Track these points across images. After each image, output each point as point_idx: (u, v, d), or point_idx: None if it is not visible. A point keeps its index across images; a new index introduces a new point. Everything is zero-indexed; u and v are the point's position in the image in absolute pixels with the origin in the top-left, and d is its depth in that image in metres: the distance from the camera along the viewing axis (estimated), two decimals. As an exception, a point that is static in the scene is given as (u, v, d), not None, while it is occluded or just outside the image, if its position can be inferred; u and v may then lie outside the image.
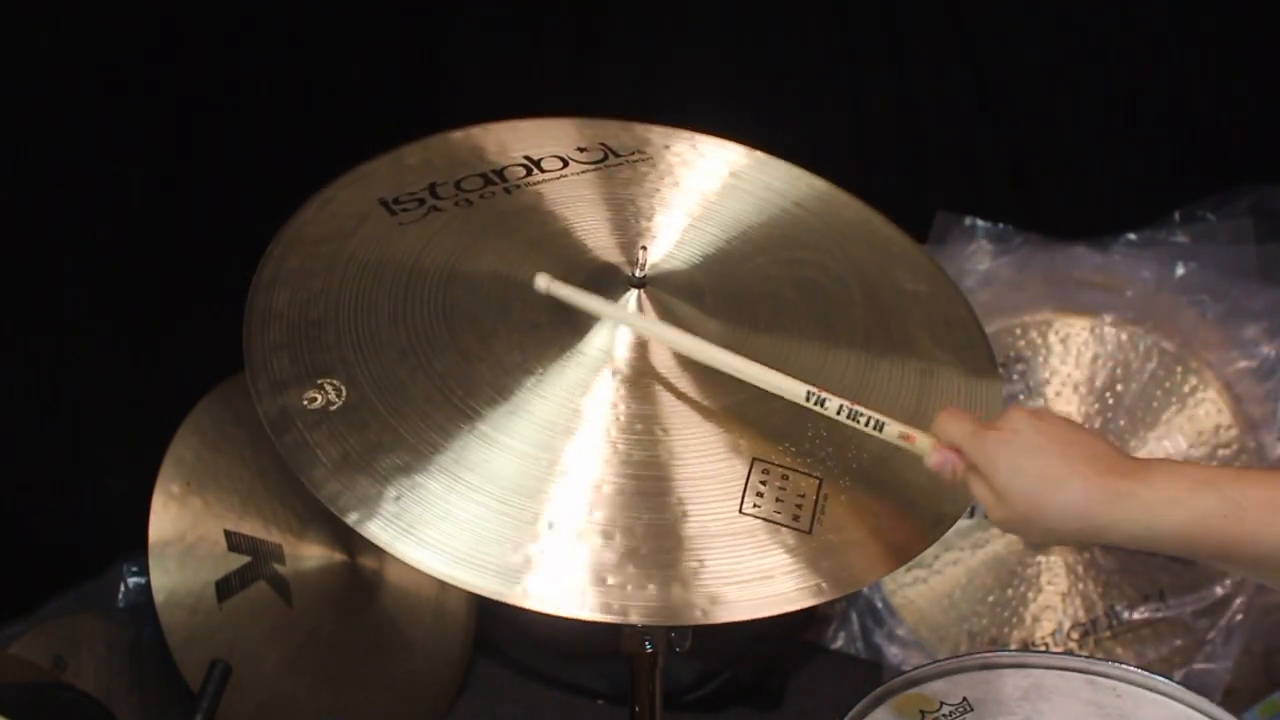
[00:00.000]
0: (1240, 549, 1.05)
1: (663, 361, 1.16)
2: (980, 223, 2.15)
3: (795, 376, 1.12)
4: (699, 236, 1.31)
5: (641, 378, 1.14)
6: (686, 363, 1.16)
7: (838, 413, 1.11)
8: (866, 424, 1.10)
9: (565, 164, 1.35)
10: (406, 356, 1.13)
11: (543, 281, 1.17)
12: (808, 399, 1.11)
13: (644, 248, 1.21)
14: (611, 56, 2.29)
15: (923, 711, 1.24)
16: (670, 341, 1.16)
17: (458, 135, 1.38)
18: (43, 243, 1.85)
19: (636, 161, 1.38)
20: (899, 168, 2.28)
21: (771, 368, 1.12)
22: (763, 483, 1.09)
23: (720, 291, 1.25)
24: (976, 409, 1.22)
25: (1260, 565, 1.06)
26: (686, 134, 1.43)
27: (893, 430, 1.11)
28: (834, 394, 1.10)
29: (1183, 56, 2.08)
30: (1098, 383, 2.05)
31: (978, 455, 1.08)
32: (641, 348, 1.16)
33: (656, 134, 1.42)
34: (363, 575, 1.94)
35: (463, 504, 1.03)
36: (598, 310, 1.17)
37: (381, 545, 1.01)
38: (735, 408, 1.14)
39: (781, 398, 1.14)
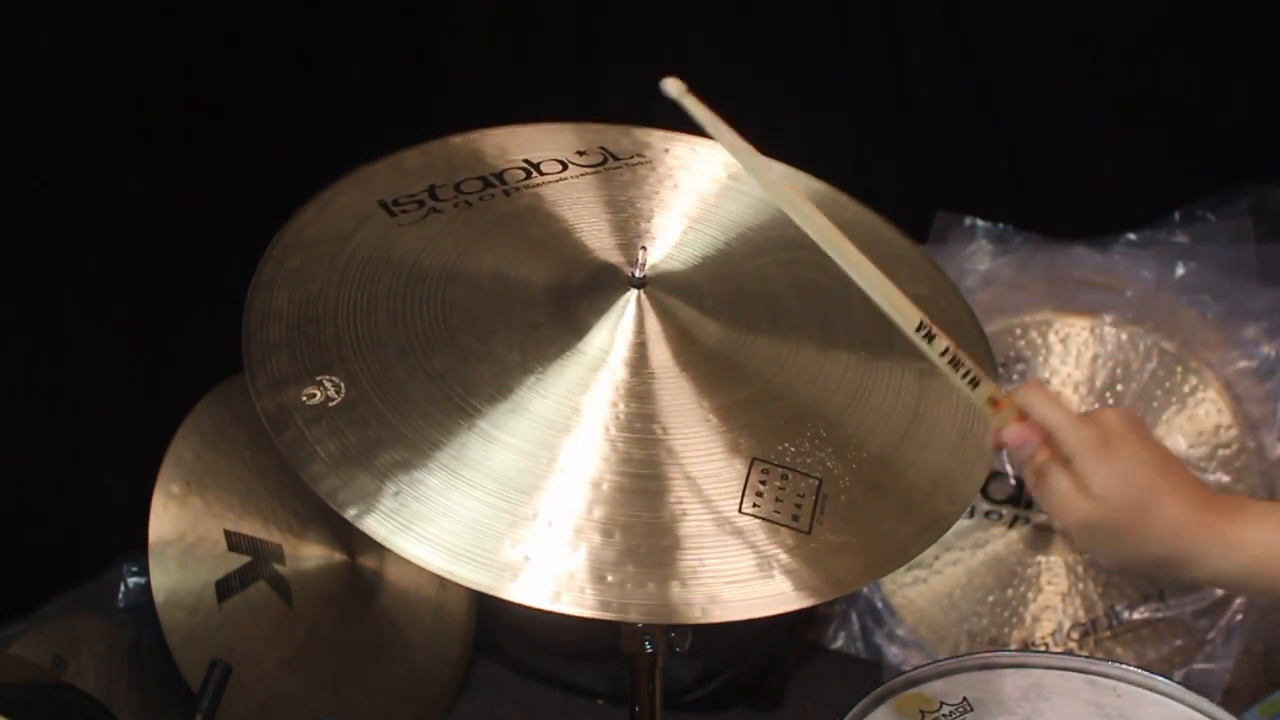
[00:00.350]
0: None
1: (662, 361, 1.16)
2: (980, 223, 2.15)
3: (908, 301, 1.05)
4: (698, 238, 1.31)
5: (641, 376, 1.14)
6: (686, 362, 1.16)
7: (942, 354, 1.05)
8: (964, 375, 1.06)
9: (564, 167, 1.35)
10: (406, 355, 1.13)
11: (674, 89, 1.11)
12: (919, 328, 1.05)
13: (644, 248, 1.21)
14: (612, 58, 2.29)
15: (923, 711, 1.24)
16: (799, 212, 1.08)
17: (457, 139, 1.38)
18: (43, 243, 1.85)
19: (636, 165, 1.38)
20: (899, 168, 2.28)
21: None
22: (762, 482, 1.09)
23: (720, 292, 1.25)
24: (975, 411, 1.21)
25: None
26: (685, 138, 1.43)
27: (984, 391, 1.06)
28: (943, 334, 1.05)
29: (1183, 56, 2.08)
30: (1098, 383, 2.04)
31: (1077, 450, 1.02)
32: (641, 346, 1.16)
33: (656, 138, 1.43)
34: (363, 575, 1.94)
35: (462, 500, 1.03)
36: (732, 146, 1.11)
37: (380, 540, 1.01)
38: (735, 407, 1.14)
39: (781, 398, 1.14)
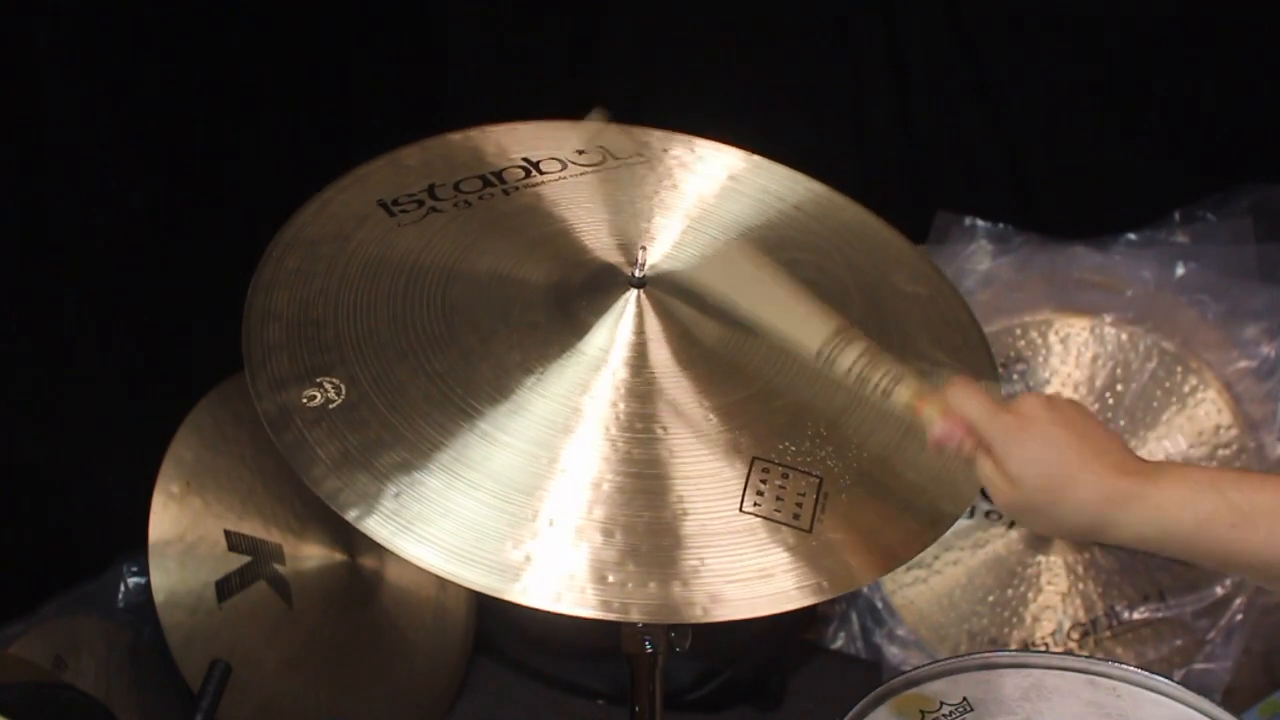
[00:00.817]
0: (1244, 556, 1.05)
1: (662, 360, 1.16)
2: (980, 223, 2.15)
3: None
4: (698, 238, 1.31)
5: (642, 376, 1.14)
6: (687, 361, 1.16)
7: (850, 366, 1.09)
8: (876, 386, 1.09)
9: (564, 166, 1.35)
10: (406, 356, 1.13)
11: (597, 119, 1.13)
12: (818, 358, 1.09)
13: (643, 248, 1.21)
14: (612, 58, 2.29)
15: (923, 711, 1.24)
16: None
17: (456, 137, 1.38)
18: (43, 243, 1.85)
19: (635, 164, 1.38)
20: (899, 168, 2.28)
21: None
22: (763, 481, 1.09)
23: (719, 292, 1.25)
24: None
25: (1264, 572, 1.06)
26: (684, 138, 1.43)
27: (903, 395, 1.09)
28: (849, 349, 1.09)
29: (1183, 56, 2.08)
30: (1098, 383, 2.04)
31: (993, 438, 1.07)
32: (641, 346, 1.16)
33: (655, 137, 1.43)
34: (363, 575, 1.94)
35: (463, 501, 1.03)
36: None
37: (381, 541, 1.01)
38: (735, 407, 1.14)
39: (780, 397, 1.14)
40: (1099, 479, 1.05)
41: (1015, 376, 2.07)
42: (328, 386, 1.09)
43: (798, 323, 1.11)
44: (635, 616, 1.00)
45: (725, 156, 1.43)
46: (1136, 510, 1.05)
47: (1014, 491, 1.07)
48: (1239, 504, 1.03)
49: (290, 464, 1.04)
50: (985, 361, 1.28)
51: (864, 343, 1.10)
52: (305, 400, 1.08)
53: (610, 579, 1.01)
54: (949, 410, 1.09)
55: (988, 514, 2.07)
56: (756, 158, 1.43)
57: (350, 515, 1.02)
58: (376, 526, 1.02)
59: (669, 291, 1.21)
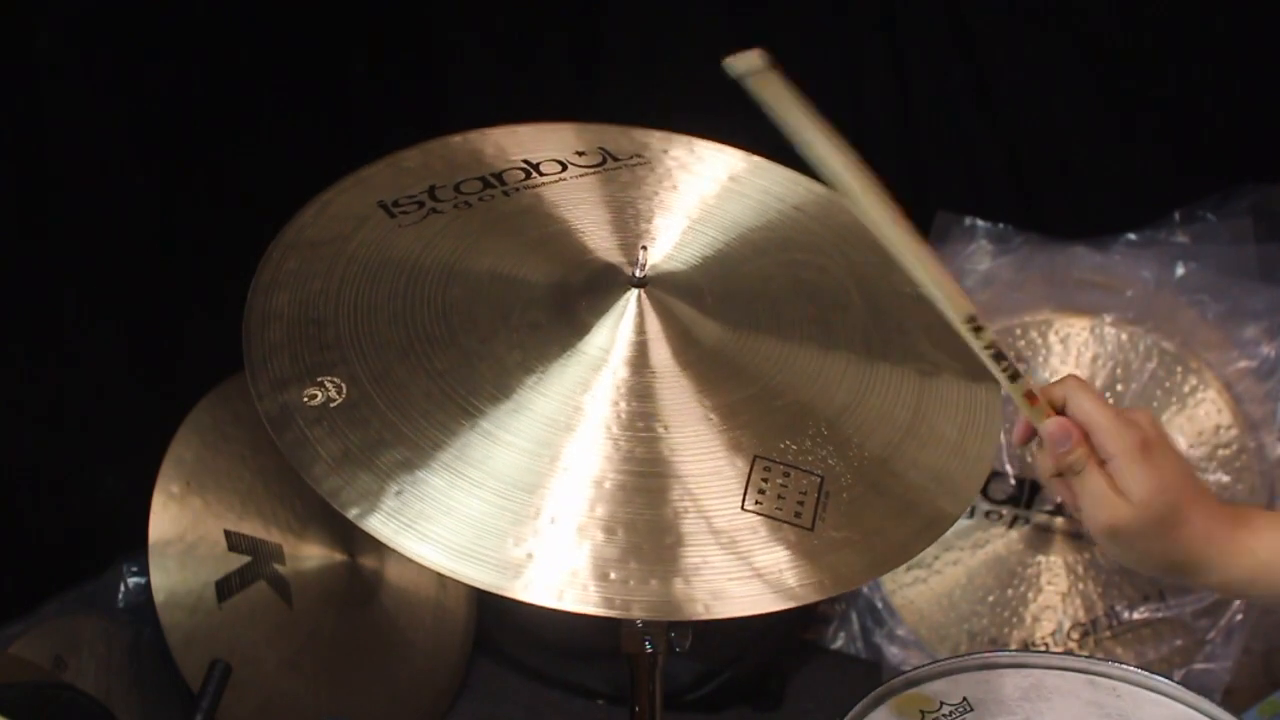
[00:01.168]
0: None
1: (663, 360, 1.16)
2: (980, 223, 2.15)
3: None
4: (698, 239, 1.31)
5: (643, 375, 1.14)
6: (688, 360, 1.16)
7: (986, 347, 1.06)
8: (1005, 369, 1.06)
9: (564, 167, 1.35)
10: (407, 356, 1.13)
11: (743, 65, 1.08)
12: (968, 320, 1.05)
13: (644, 248, 1.21)
14: (611, 59, 2.29)
15: (923, 711, 1.24)
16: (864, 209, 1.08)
17: (456, 139, 1.38)
18: (43, 243, 1.85)
19: (635, 165, 1.38)
20: (899, 168, 2.28)
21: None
22: (764, 480, 1.09)
23: (720, 293, 1.25)
24: (976, 411, 1.21)
25: None
26: (684, 138, 1.43)
27: (1023, 384, 1.06)
28: (991, 328, 1.05)
29: (1183, 56, 2.08)
30: (1098, 383, 2.05)
31: (1118, 452, 1.03)
32: (642, 346, 1.16)
33: (655, 138, 1.43)
34: (363, 575, 1.94)
35: (464, 499, 1.03)
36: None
37: (383, 540, 1.01)
38: (736, 406, 1.14)
39: (781, 397, 1.14)
40: (1207, 520, 1.03)
41: (1015, 376, 2.06)
42: (329, 385, 1.09)
43: (950, 288, 1.06)
44: (637, 614, 1.01)
45: (725, 157, 1.43)
46: (1231, 554, 1.03)
47: (1129, 515, 1.02)
48: None
49: (291, 463, 1.04)
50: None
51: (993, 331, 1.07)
52: (306, 399, 1.08)
53: (612, 576, 1.01)
54: (1065, 408, 1.06)
55: (988, 514, 2.07)
56: (756, 158, 1.43)
57: (352, 514, 1.02)
58: (378, 525, 1.02)
59: (669, 292, 1.22)
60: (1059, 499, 1.18)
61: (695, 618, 1.01)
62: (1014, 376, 1.06)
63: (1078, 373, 2.05)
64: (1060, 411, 1.10)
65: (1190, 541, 1.03)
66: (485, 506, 1.03)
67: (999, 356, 1.06)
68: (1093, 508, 1.05)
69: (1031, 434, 1.12)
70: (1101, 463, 1.05)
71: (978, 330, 1.05)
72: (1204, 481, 1.07)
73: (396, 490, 1.03)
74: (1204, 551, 1.03)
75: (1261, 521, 1.06)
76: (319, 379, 1.09)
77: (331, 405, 1.08)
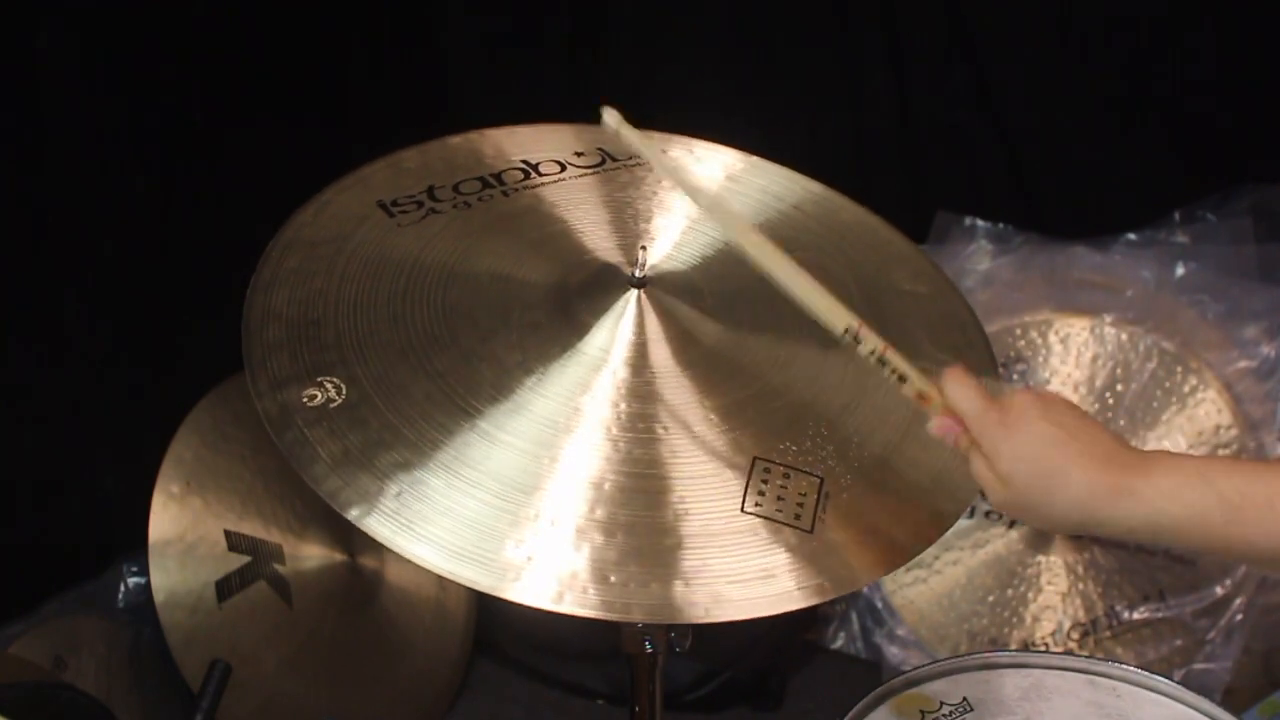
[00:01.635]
0: (1238, 546, 1.05)
1: (663, 360, 1.16)
2: (980, 223, 2.15)
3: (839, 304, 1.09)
4: (697, 238, 1.31)
5: (642, 376, 1.14)
6: (687, 361, 1.16)
7: (870, 354, 1.08)
8: (891, 373, 1.09)
9: (563, 168, 1.35)
10: (406, 356, 1.13)
11: (611, 120, 1.14)
12: (844, 333, 1.08)
13: (643, 248, 1.21)
14: (610, 60, 2.29)
15: (923, 711, 1.24)
16: (732, 228, 1.12)
17: (455, 140, 1.38)
18: (43, 243, 1.85)
19: (634, 166, 1.38)
20: (899, 168, 2.28)
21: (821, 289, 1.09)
22: (764, 481, 1.09)
23: (719, 292, 1.25)
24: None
25: (1258, 560, 1.06)
26: (683, 139, 1.43)
27: (912, 387, 1.09)
28: (872, 335, 1.08)
29: (1183, 56, 2.08)
30: (1098, 383, 2.04)
31: (982, 436, 1.07)
32: (642, 346, 1.16)
33: (654, 139, 1.43)
34: (363, 575, 1.94)
35: (464, 500, 1.03)
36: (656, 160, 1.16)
37: (382, 541, 1.01)
38: (736, 407, 1.14)
39: (781, 397, 1.14)
40: (1087, 475, 1.05)
41: (1015, 376, 2.07)
42: (328, 386, 1.09)
43: (826, 301, 1.09)
44: (637, 617, 1.01)
45: (723, 157, 1.43)
46: (1126, 505, 1.04)
47: (1005, 489, 1.07)
48: (1229, 496, 1.03)
49: (291, 463, 1.04)
50: (986, 359, 1.28)
51: (880, 337, 1.09)
52: (306, 400, 1.08)
53: (612, 579, 1.01)
54: (949, 403, 1.09)
55: (988, 514, 2.07)
56: (754, 158, 1.43)
57: (351, 514, 1.02)
58: (377, 525, 1.02)
59: (669, 291, 1.21)
60: None
61: (695, 621, 1.01)
62: (901, 379, 1.09)
63: (1077, 373, 2.05)
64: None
65: (1076, 500, 1.05)
66: (485, 508, 1.03)
67: (883, 362, 1.09)
68: (983, 488, 1.09)
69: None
70: (978, 446, 1.08)
71: (857, 340, 1.08)
72: (1108, 437, 1.08)
73: (396, 491, 1.03)
74: (1097, 505, 1.05)
75: (1163, 465, 1.07)
76: (319, 379, 1.09)
77: (331, 406, 1.08)
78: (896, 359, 1.08)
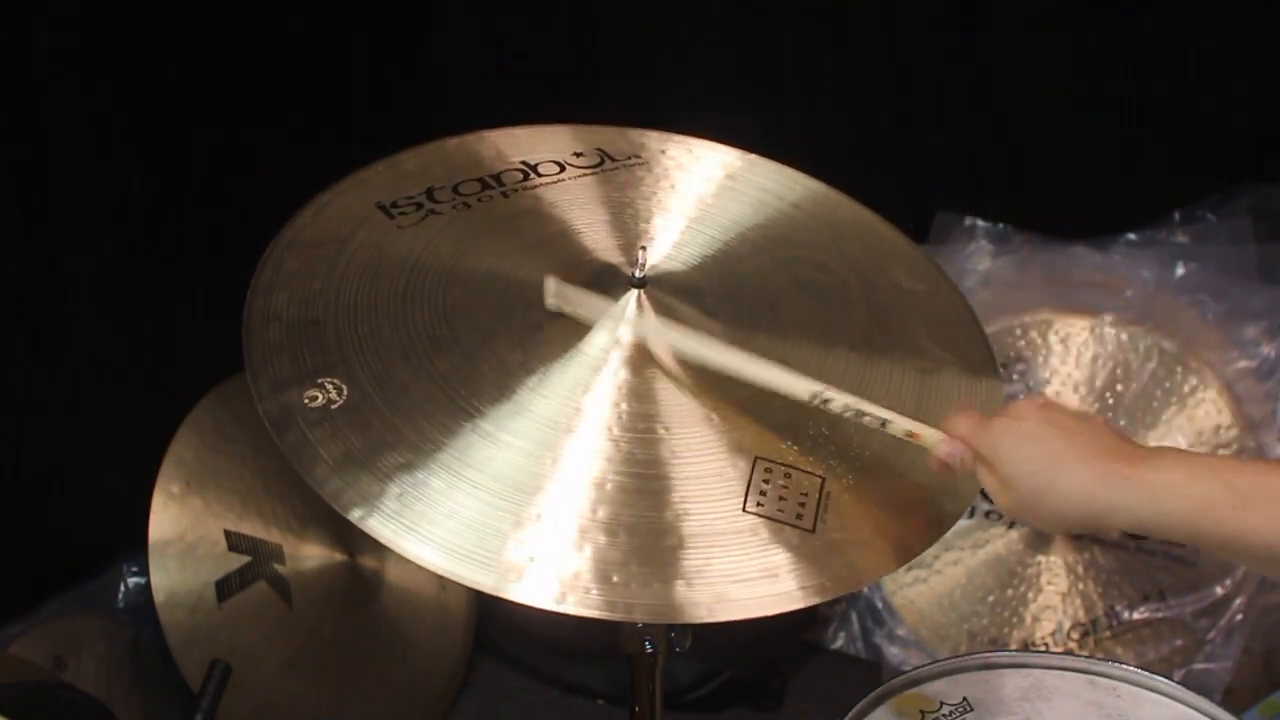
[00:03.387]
0: (1243, 539, 1.05)
1: (664, 360, 1.16)
2: (980, 223, 2.15)
3: (797, 373, 1.12)
4: (697, 238, 1.32)
5: (643, 376, 1.14)
6: (688, 361, 1.16)
7: (843, 412, 1.11)
8: (872, 421, 1.11)
9: (562, 169, 1.35)
10: (407, 357, 1.13)
11: (551, 297, 1.17)
12: (811, 400, 1.11)
13: (643, 248, 1.21)
14: (610, 60, 2.29)
15: (923, 711, 1.24)
16: (671, 342, 1.16)
17: (454, 141, 1.38)
18: (43, 243, 1.85)
19: (633, 166, 1.38)
20: (899, 168, 2.28)
21: (775, 365, 1.12)
22: (765, 481, 1.09)
23: (719, 292, 1.25)
24: (976, 407, 1.22)
25: (1262, 557, 1.06)
26: (681, 138, 1.43)
27: (898, 428, 1.12)
28: (840, 393, 1.11)
29: (1183, 56, 2.08)
30: (1098, 383, 2.05)
31: (983, 443, 1.09)
32: (643, 346, 1.16)
33: (652, 139, 1.43)
34: (363, 575, 1.94)
35: (466, 501, 1.03)
36: (597, 314, 1.17)
37: (384, 542, 1.01)
38: (737, 405, 1.14)
39: (781, 397, 1.14)
40: (1089, 466, 1.06)
41: (1015, 376, 2.07)
42: (329, 387, 1.09)
43: (786, 375, 1.13)
44: (639, 617, 1.01)
45: (722, 156, 1.43)
46: (1133, 493, 1.05)
47: (1009, 492, 1.08)
48: (1240, 487, 1.03)
49: (293, 465, 1.04)
50: (985, 357, 1.28)
51: (849, 394, 1.12)
52: (307, 401, 1.08)
53: (614, 579, 1.01)
54: (948, 432, 1.11)
55: (988, 514, 2.07)
56: (753, 156, 1.43)
57: (354, 516, 1.02)
58: (380, 527, 1.02)
59: (669, 291, 1.21)
60: None
61: (697, 621, 1.01)
62: (884, 424, 1.12)
63: (1077, 373, 2.05)
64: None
65: (1080, 494, 1.06)
66: (487, 509, 1.03)
67: (860, 414, 1.11)
68: (993, 498, 1.10)
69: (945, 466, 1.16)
70: (982, 458, 1.10)
71: (826, 402, 1.11)
72: (1110, 434, 1.09)
73: (398, 492, 1.03)
74: (1100, 498, 1.06)
75: (1167, 458, 1.08)
76: (320, 380, 1.09)
77: (333, 407, 1.08)
78: (872, 408, 1.11)
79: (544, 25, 2.29)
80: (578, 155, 1.38)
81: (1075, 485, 1.06)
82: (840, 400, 1.11)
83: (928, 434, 1.12)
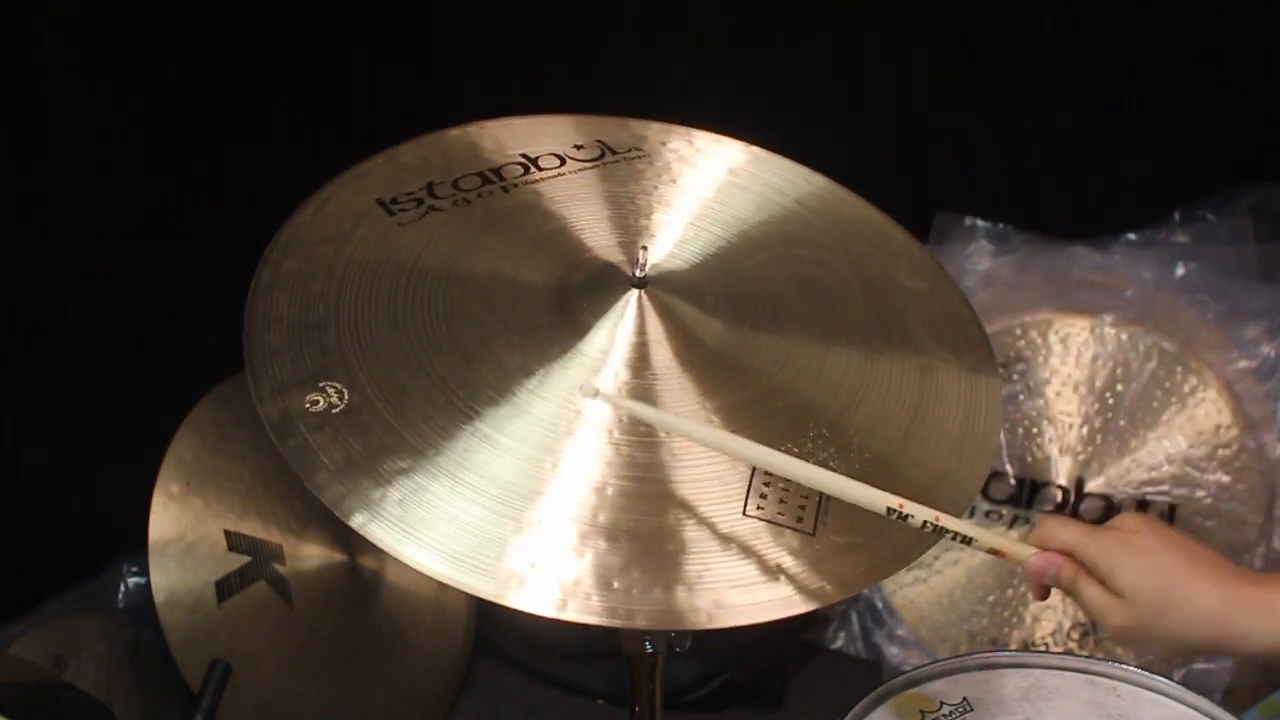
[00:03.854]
0: None
1: (664, 361, 1.15)
2: (980, 223, 2.15)
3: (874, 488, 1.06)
4: (698, 234, 1.31)
5: (643, 377, 1.14)
6: (689, 362, 1.16)
7: (922, 527, 1.07)
8: (954, 538, 1.08)
9: (562, 162, 1.34)
10: (408, 358, 1.12)
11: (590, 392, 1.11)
12: (889, 514, 1.06)
13: (644, 248, 1.20)
14: (610, 56, 2.29)
15: (923, 711, 1.23)
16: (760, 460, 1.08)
17: (454, 133, 1.36)
18: (43, 243, 1.85)
19: (634, 159, 1.37)
20: (899, 168, 2.28)
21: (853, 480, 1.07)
22: (766, 484, 1.09)
23: (720, 290, 1.25)
24: (976, 406, 1.21)
25: None
26: (683, 130, 1.42)
27: (984, 544, 1.09)
28: (918, 508, 1.06)
29: (1183, 56, 2.08)
30: (1098, 383, 2.05)
31: (1097, 556, 1.06)
32: (642, 348, 1.16)
33: (653, 130, 1.42)
34: (363, 575, 1.94)
35: (467, 506, 1.03)
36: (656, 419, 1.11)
37: (386, 549, 1.00)
38: (737, 407, 1.13)
39: (783, 397, 1.14)
40: (1218, 587, 1.03)
41: (1015, 376, 2.07)
42: (330, 391, 1.08)
43: (864, 491, 1.07)
44: (641, 623, 1.00)
45: (724, 149, 1.42)
46: (1264, 618, 1.02)
47: (1127, 609, 1.05)
48: None
49: (294, 470, 1.04)
50: (986, 356, 1.28)
51: (929, 508, 1.07)
52: (308, 405, 1.07)
53: (615, 585, 1.01)
54: (1042, 543, 1.09)
55: (988, 514, 2.07)
56: (755, 149, 1.42)
57: (355, 522, 1.01)
58: (381, 533, 1.01)
59: (670, 291, 1.21)
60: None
61: (699, 627, 1.00)
62: (966, 541, 1.08)
63: (1077, 373, 2.05)
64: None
65: (1206, 617, 1.04)
66: (487, 514, 1.03)
67: (940, 531, 1.07)
68: (1099, 615, 1.08)
69: (1045, 589, 1.14)
70: (1093, 572, 1.07)
71: (904, 518, 1.06)
72: (1220, 557, 1.07)
73: (399, 498, 1.02)
74: (1230, 623, 1.04)
75: None
76: (320, 384, 1.08)
77: (334, 411, 1.07)
78: (954, 523, 1.07)
79: (546, 22, 2.29)
80: (578, 147, 1.36)
81: (1204, 606, 1.03)
82: (921, 515, 1.06)
83: (1015, 549, 1.08)
